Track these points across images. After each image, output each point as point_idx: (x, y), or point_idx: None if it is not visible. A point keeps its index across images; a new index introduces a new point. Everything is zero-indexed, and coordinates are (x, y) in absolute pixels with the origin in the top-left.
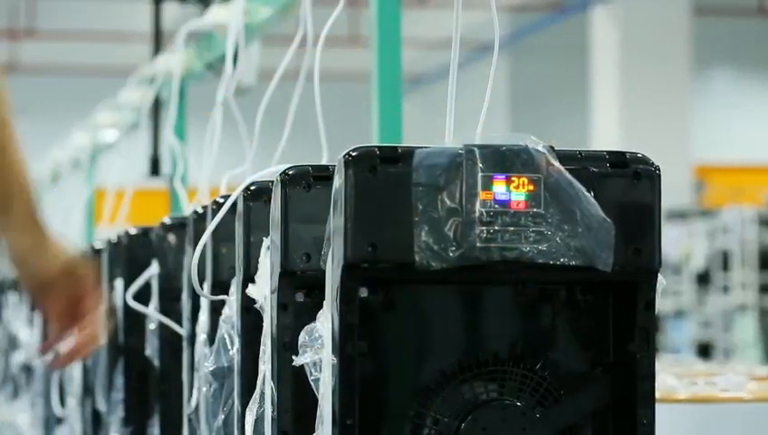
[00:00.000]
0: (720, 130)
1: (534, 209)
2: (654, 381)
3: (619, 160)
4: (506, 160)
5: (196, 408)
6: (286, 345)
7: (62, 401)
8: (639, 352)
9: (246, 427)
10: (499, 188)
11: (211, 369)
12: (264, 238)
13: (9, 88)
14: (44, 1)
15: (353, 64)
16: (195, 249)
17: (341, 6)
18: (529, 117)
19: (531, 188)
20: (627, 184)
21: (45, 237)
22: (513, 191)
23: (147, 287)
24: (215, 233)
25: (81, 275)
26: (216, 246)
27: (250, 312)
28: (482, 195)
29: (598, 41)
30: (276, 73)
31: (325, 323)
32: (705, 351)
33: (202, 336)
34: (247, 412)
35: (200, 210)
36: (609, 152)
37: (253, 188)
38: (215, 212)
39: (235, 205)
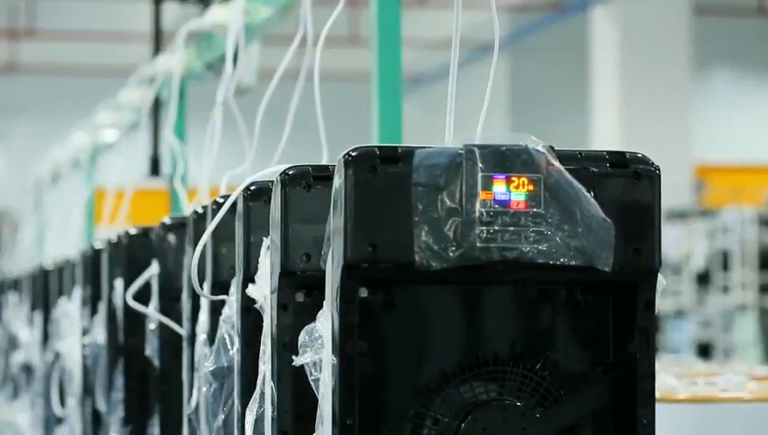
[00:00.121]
0: (720, 130)
1: (534, 209)
2: (654, 381)
3: (619, 160)
4: (506, 160)
5: (196, 408)
6: (286, 345)
7: (62, 401)
8: (639, 352)
9: (246, 427)
10: (499, 188)
11: (211, 369)
12: (264, 238)
13: (9, 88)
14: (44, 1)
15: (353, 64)
16: (195, 249)
17: (341, 6)
18: (529, 117)
19: (531, 188)
20: (627, 184)
21: None
22: (513, 191)
23: (147, 287)
24: (215, 233)
25: None
26: (215, 246)
27: (250, 312)
28: (482, 195)
29: (598, 41)
30: (276, 73)
31: (325, 323)
32: (705, 351)
33: (202, 336)
34: (247, 412)
35: (200, 210)
36: (609, 152)
37: (253, 188)
38: (215, 212)
39: (235, 205)
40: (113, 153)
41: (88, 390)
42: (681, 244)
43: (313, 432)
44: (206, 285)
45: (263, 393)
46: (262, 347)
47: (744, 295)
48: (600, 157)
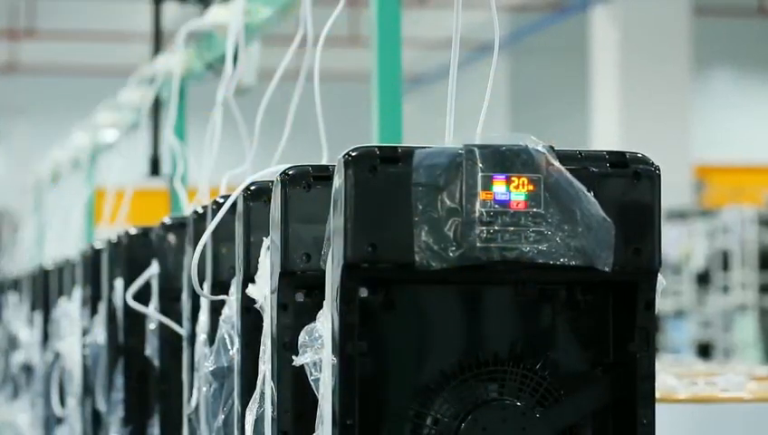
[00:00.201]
0: (720, 130)
1: (534, 209)
2: (654, 381)
3: (619, 160)
4: (506, 160)
5: (196, 408)
6: (286, 345)
7: (62, 401)
8: (639, 352)
9: (246, 427)
10: (499, 188)
11: (211, 369)
12: (264, 238)
13: (9, 88)
14: (44, 1)
15: (353, 64)
16: (195, 249)
17: (341, 6)
18: (529, 117)
19: (531, 188)
20: (627, 184)
21: None
22: (513, 191)
23: (147, 287)
24: (215, 233)
25: None
26: (215, 246)
27: (250, 312)
28: (482, 195)
29: (598, 41)
30: (276, 73)
31: (325, 323)
32: (705, 351)
33: (202, 336)
34: (247, 412)
35: (200, 210)
36: (609, 152)
37: (253, 188)
38: (215, 212)
39: (235, 205)
40: (113, 153)
41: (88, 390)
42: (681, 244)
43: (313, 432)
44: (206, 285)
45: (263, 393)
46: (262, 347)
47: (744, 295)
48: (600, 157)
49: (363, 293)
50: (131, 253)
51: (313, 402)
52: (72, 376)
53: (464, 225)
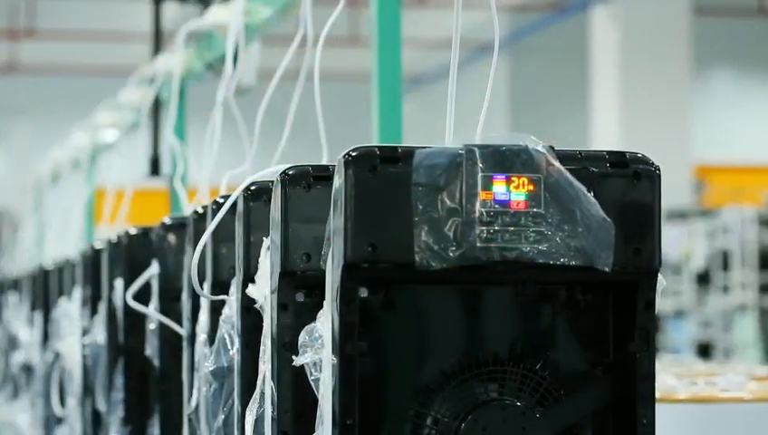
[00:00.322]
0: (720, 130)
1: (534, 209)
2: (654, 381)
3: (619, 160)
4: (506, 160)
5: (196, 408)
6: (286, 345)
7: (62, 401)
8: (639, 352)
9: (246, 427)
10: (499, 188)
11: (211, 369)
12: (264, 238)
13: (9, 88)
14: (44, 1)
15: (353, 64)
16: (195, 249)
17: (341, 6)
18: (529, 117)
19: (531, 188)
20: (627, 184)
21: None
22: (513, 191)
23: (147, 287)
24: (215, 233)
25: None
26: (216, 246)
27: (250, 312)
28: (482, 195)
29: (598, 41)
30: (276, 73)
31: (325, 323)
32: (705, 351)
33: (202, 336)
34: (247, 412)
35: (200, 210)
36: (609, 152)
37: (253, 188)
38: (215, 212)
39: (235, 205)
40: (113, 153)
41: (88, 390)
42: (681, 244)
43: (313, 432)
44: (206, 285)
45: (263, 393)
46: (262, 347)
47: (744, 295)
48: (600, 157)
49: (363, 293)
50: (131, 253)
51: (313, 402)
52: (72, 376)
53: (464, 225)
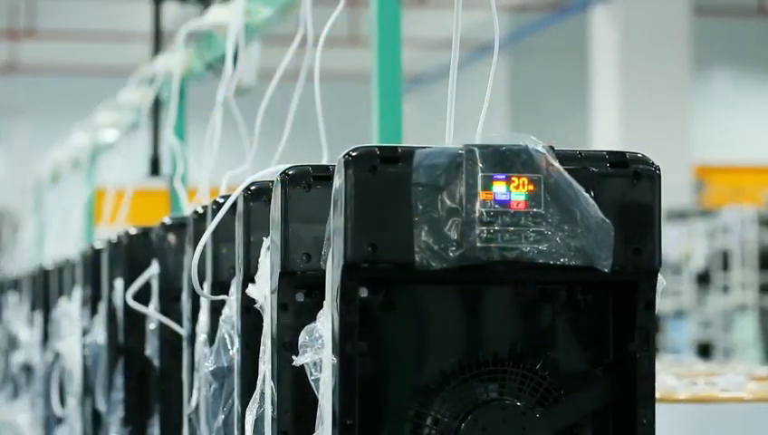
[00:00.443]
0: (720, 130)
1: (534, 209)
2: (654, 381)
3: (619, 160)
4: (506, 160)
5: (196, 408)
6: (286, 345)
7: (62, 401)
8: (639, 352)
9: (246, 427)
10: (499, 188)
11: (211, 369)
12: (264, 238)
13: (9, 88)
14: (44, 1)
15: (353, 64)
16: (195, 249)
17: (341, 6)
18: (529, 117)
19: (531, 188)
20: (627, 184)
21: None
22: (513, 191)
23: (147, 287)
24: (215, 233)
25: None
26: (216, 246)
27: (250, 312)
28: (482, 195)
29: (598, 41)
30: (276, 73)
31: (325, 323)
32: (705, 351)
33: (202, 336)
34: (247, 412)
35: (200, 210)
36: (609, 152)
37: (253, 188)
38: (215, 212)
39: (235, 205)
40: (113, 153)
41: (88, 390)
42: (681, 244)
43: (313, 432)
44: (206, 285)
45: (263, 393)
46: (262, 347)
47: (744, 295)
48: (599, 157)
49: (363, 293)
50: (131, 253)
51: (313, 402)
52: (72, 376)
53: (464, 225)
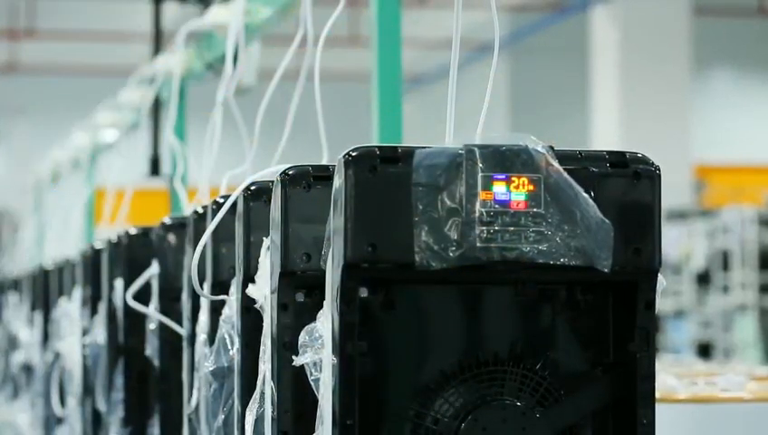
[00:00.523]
0: (720, 130)
1: (534, 209)
2: (654, 381)
3: (619, 160)
4: (506, 160)
5: (196, 408)
6: (286, 345)
7: (62, 401)
8: (639, 352)
9: (246, 427)
10: (499, 188)
11: (211, 369)
12: (264, 238)
13: (9, 88)
14: (44, 1)
15: (353, 64)
16: (195, 249)
17: (341, 6)
18: (529, 117)
19: (531, 188)
20: (627, 184)
21: None
22: (513, 191)
23: (147, 287)
24: (215, 233)
25: None
26: (216, 246)
27: (250, 312)
28: (482, 195)
29: (598, 41)
30: (276, 73)
31: (325, 323)
32: (705, 351)
33: (202, 336)
34: (247, 412)
35: (200, 210)
36: (609, 152)
37: (253, 188)
38: (215, 212)
39: (235, 205)
40: (113, 153)
41: (88, 390)
42: (681, 244)
43: (313, 432)
44: (206, 285)
45: (263, 393)
46: (262, 347)
47: (744, 295)
48: (600, 157)
49: (363, 293)
50: (131, 253)
51: (313, 402)
52: (72, 376)
53: (464, 225)
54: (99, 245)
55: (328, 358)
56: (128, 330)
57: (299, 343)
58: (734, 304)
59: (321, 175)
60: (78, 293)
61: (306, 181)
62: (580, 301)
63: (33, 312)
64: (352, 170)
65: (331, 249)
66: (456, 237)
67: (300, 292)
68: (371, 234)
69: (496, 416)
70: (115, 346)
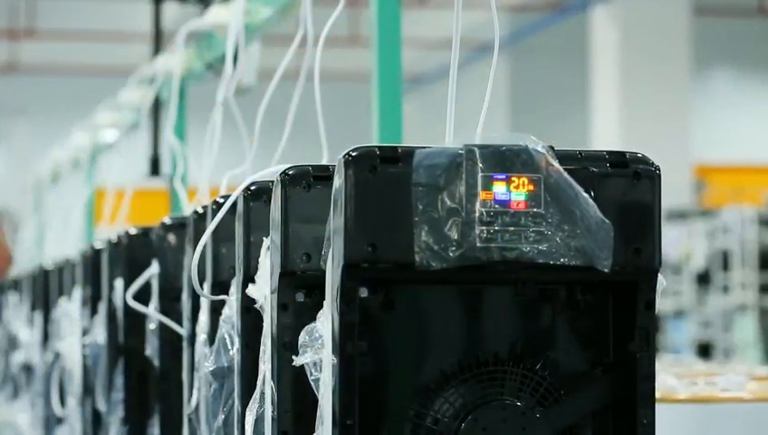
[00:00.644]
0: (720, 130)
1: (534, 209)
2: (654, 381)
3: (619, 160)
4: (506, 160)
5: (196, 408)
6: (286, 345)
7: (62, 401)
8: (639, 352)
9: (246, 427)
10: (499, 188)
11: (211, 369)
12: (264, 238)
13: (9, 88)
14: (44, 1)
15: (353, 64)
16: (195, 249)
17: (341, 6)
18: (529, 117)
19: (531, 188)
20: (627, 184)
21: None
22: (513, 191)
23: (147, 287)
24: (215, 233)
25: None
26: (216, 246)
27: (250, 312)
28: (482, 195)
29: (598, 41)
30: (276, 73)
31: (325, 323)
32: (705, 351)
33: (202, 336)
34: (247, 412)
35: (200, 210)
36: (609, 152)
37: (253, 188)
38: (215, 212)
39: (235, 205)
40: (113, 153)
41: (88, 390)
42: (681, 244)
43: (313, 432)
44: (206, 285)
45: (263, 393)
46: (262, 347)
47: (744, 295)
48: (600, 157)
49: (363, 293)
50: (131, 253)
51: (313, 402)
52: (72, 376)
53: (464, 225)
54: (99, 245)
55: (328, 358)
56: (128, 330)
57: (299, 343)
58: (734, 304)
59: (321, 175)
60: (78, 293)
61: (306, 181)
62: (580, 301)
63: (33, 312)
64: (352, 170)
65: (331, 249)
66: (456, 237)
67: (300, 292)
68: (371, 234)
69: (496, 416)
70: (115, 346)
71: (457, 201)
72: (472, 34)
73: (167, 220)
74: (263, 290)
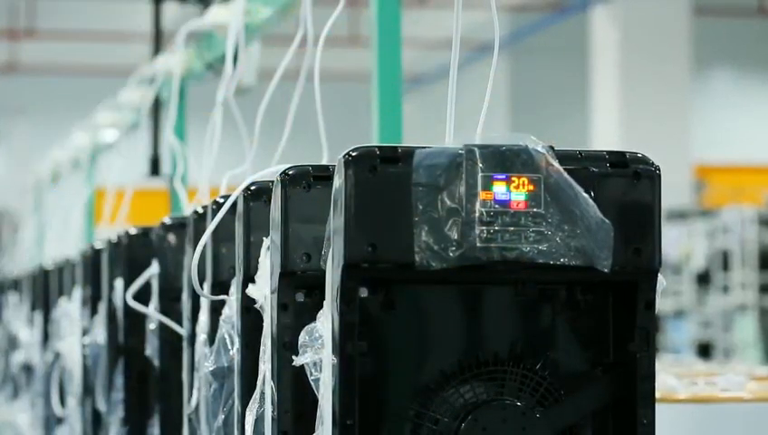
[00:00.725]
0: (720, 130)
1: (534, 209)
2: (654, 381)
3: (619, 160)
4: (506, 160)
5: (196, 408)
6: (286, 345)
7: (62, 401)
8: (639, 352)
9: (246, 427)
10: (499, 188)
11: (211, 369)
12: (264, 238)
13: (9, 88)
14: (44, 1)
15: (353, 64)
16: (195, 249)
17: (341, 6)
18: (529, 117)
19: (531, 188)
20: (627, 184)
21: None
22: (513, 191)
23: (147, 287)
24: (215, 233)
25: None
26: (216, 246)
27: (250, 312)
28: (482, 195)
29: (598, 41)
30: (276, 73)
31: (325, 323)
32: (705, 351)
33: (202, 336)
34: (247, 412)
35: (200, 210)
36: (609, 152)
37: (253, 188)
38: (215, 212)
39: (234, 205)
40: (113, 153)
41: (88, 390)
42: (681, 244)
43: (313, 432)
44: (206, 285)
45: (263, 393)
46: (262, 347)
47: (744, 295)
48: (599, 157)
49: (363, 293)
50: (131, 253)
51: (313, 402)
52: (72, 376)
53: (464, 225)
54: (99, 245)
55: (328, 358)
56: (128, 330)
57: (299, 343)
58: (734, 304)
59: (321, 175)
60: (78, 293)
61: (306, 181)
62: (580, 301)
63: (33, 312)
64: (352, 170)
65: (331, 249)
66: (456, 237)
67: (300, 292)
68: (371, 234)
69: (496, 416)
70: (115, 346)
71: (457, 201)
72: (472, 34)
73: (167, 220)
74: (263, 290)
